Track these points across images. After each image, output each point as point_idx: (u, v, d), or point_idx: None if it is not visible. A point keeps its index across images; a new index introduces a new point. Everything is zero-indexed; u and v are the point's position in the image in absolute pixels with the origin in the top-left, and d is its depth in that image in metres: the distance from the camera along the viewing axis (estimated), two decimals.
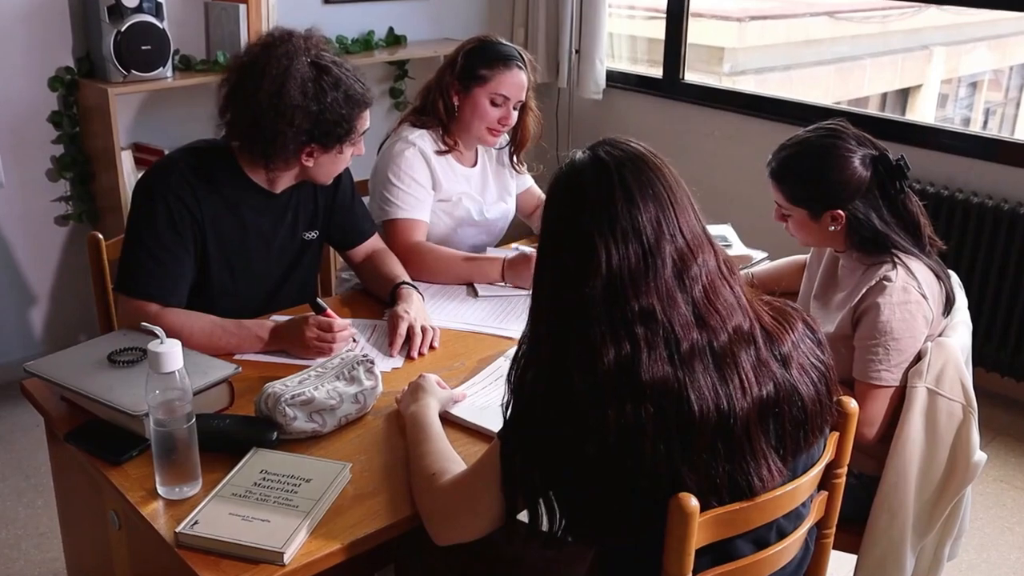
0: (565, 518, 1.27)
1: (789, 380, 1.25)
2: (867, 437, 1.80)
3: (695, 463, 1.18)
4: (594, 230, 1.20)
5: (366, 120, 1.97)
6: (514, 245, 2.49)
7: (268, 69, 1.85)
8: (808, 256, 2.14)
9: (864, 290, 1.82)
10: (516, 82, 2.35)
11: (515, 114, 2.40)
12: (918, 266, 1.83)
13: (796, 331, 1.29)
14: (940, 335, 1.86)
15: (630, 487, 1.19)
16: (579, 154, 1.27)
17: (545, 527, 1.28)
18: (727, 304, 1.23)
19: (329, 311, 1.88)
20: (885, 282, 1.79)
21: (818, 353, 1.31)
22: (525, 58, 2.38)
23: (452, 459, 1.45)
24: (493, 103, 2.35)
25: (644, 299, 1.18)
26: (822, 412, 1.30)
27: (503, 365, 1.85)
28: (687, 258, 1.21)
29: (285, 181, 2.00)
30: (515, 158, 2.59)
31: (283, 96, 1.84)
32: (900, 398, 1.81)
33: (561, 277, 1.22)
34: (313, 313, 1.88)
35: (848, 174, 1.82)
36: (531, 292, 1.28)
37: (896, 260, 1.82)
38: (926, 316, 1.80)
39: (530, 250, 2.31)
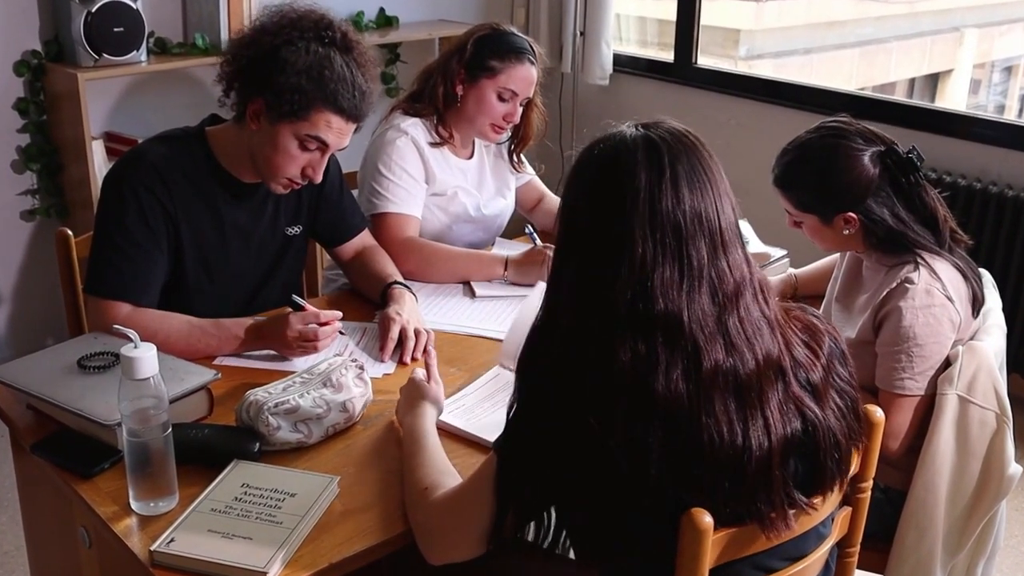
0: (567, 532, 1.27)
1: (822, 416, 1.24)
2: (891, 449, 1.80)
3: (701, 499, 1.18)
4: (636, 220, 1.19)
5: (329, 125, 1.85)
6: (527, 227, 2.48)
7: (288, 12, 1.88)
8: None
9: (885, 292, 1.82)
10: (526, 77, 2.36)
11: (520, 110, 2.41)
12: (943, 266, 1.83)
13: (824, 349, 1.29)
14: (972, 338, 1.86)
15: (632, 505, 1.20)
16: (631, 130, 1.25)
17: (546, 541, 1.29)
18: (758, 331, 1.22)
19: (309, 307, 1.88)
20: (907, 284, 1.79)
21: (844, 373, 1.31)
22: (536, 52, 2.39)
23: (447, 472, 1.45)
24: (500, 97, 2.36)
25: (672, 306, 1.18)
26: (853, 442, 1.31)
27: (502, 371, 1.85)
28: (724, 276, 1.20)
29: (247, 164, 1.95)
30: (515, 157, 2.59)
31: (265, 23, 1.85)
32: (929, 407, 1.81)
33: (592, 261, 1.21)
34: (290, 310, 1.88)
35: (856, 174, 1.82)
36: (549, 277, 1.27)
37: (919, 260, 1.82)
38: (952, 320, 1.80)
39: (541, 244, 2.32)
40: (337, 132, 1.88)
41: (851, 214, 1.84)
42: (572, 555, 1.34)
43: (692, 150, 1.23)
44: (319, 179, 1.95)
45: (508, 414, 1.29)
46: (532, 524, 1.30)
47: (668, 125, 1.26)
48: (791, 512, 1.22)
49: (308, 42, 1.84)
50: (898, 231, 1.84)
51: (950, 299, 1.80)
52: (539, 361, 1.25)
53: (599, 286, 1.19)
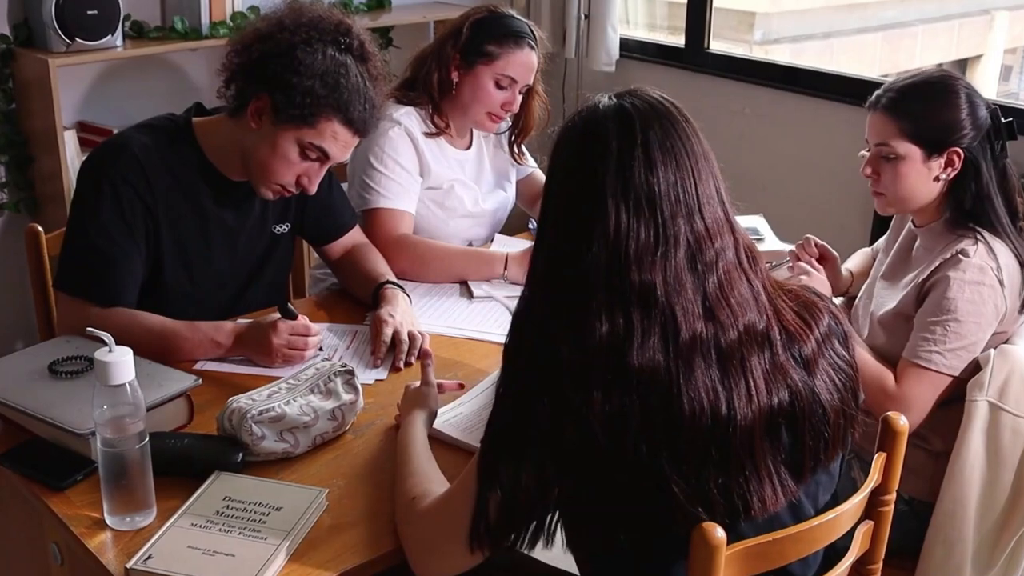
0: (559, 516, 1.29)
1: (810, 387, 1.27)
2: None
3: (683, 471, 1.20)
4: (607, 189, 1.22)
5: (335, 136, 1.87)
6: (530, 223, 2.48)
7: (307, 11, 1.88)
8: (874, 248, 2.18)
9: (937, 263, 1.84)
10: (526, 63, 2.36)
11: (520, 98, 2.41)
12: (1001, 248, 1.85)
13: (821, 326, 1.31)
14: (1007, 341, 1.87)
15: (612, 484, 1.21)
16: (604, 99, 1.29)
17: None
18: (742, 299, 1.25)
19: (303, 317, 1.88)
20: (961, 256, 1.82)
21: (843, 352, 1.33)
22: (537, 36, 2.39)
23: (437, 481, 1.46)
24: (498, 85, 2.36)
25: (647, 275, 1.21)
26: (846, 422, 1.32)
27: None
28: (703, 241, 1.23)
29: (237, 161, 1.95)
30: (516, 147, 2.59)
31: (283, 19, 1.85)
32: (958, 413, 1.82)
33: (565, 235, 1.26)
34: (280, 316, 1.88)
35: (973, 113, 1.87)
36: (530, 255, 1.32)
37: (979, 237, 1.84)
38: (997, 305, 1.82)
39: None
40: (342, 144, 1.89)
41: (959, 150, 1.86)
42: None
43: (666, 117, 1.26)
44: (313, 190, 1.95)
45: (496, 393, 1.31)
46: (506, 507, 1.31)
47: (643, 93, 1.30)
48: (779, 487, 1.24)
49: (325, 45, 1.85)
50: (985, 194, 1.87)
51: (1001, 283, 1.82)
52: (521, 341, 1.28)
53: (574, 258, 1.23)
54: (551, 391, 1.22)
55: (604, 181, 1.23)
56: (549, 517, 1.30)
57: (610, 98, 1.29)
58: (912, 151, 1.89)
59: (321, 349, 1.92)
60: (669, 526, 1.20)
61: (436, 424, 1.66)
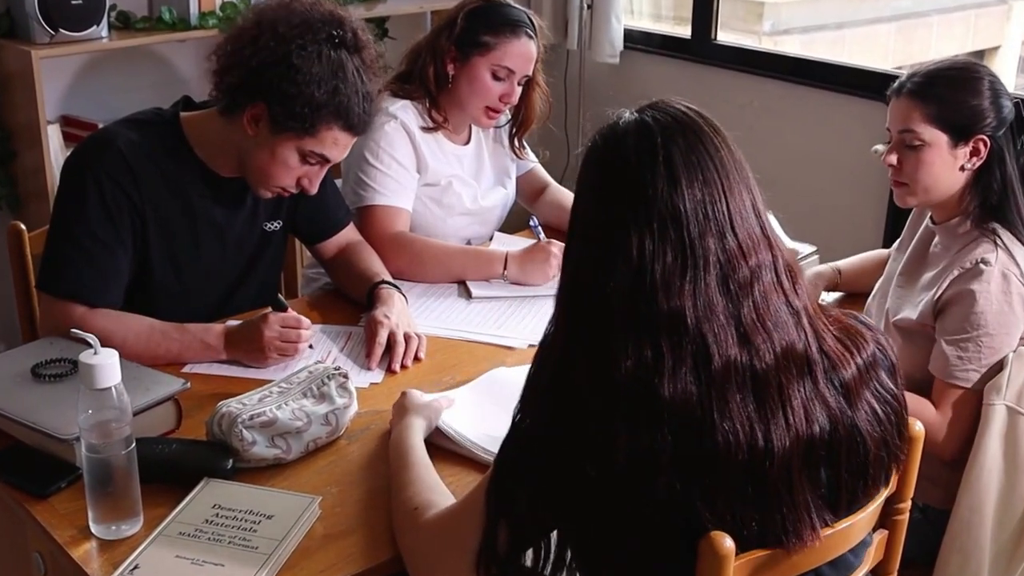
0: (572, 553, 1.27)
1: (849, 416, 1.24)
2: (937, 442, 1.81)
3: (718, 508, 1.17)
4: (628, 214, 1.20)
5: (336, 142, 1.89)
6: (531, 220, 2.47)
7: (297, 8, 1.86)
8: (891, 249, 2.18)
9: (955, 273, 1.84)
10: (524, 53, 2.35)
11: (519, 90, 2.40)
12: (1020, 251, 1.86)
13: (864, 353, 1.28)
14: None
15: (636, 524, 1.19)
16: (625, 115, 1.27)
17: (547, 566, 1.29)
18: (779, 321, 1.21)
19: (292, 312, 1.89)
20: (982, 265, 1.82)
21: (890, 385, 1.30)
22: (535, 24, 2.38)
23: (438, 490, 1.46)
24: (495, 76, 2.35)
25: (675, 301, 1.18)
26: (888, 457, 1.30)
27: (495, 380, 1.84)
28: (736, 261, 1.20)
29: (228, 159, 1.96)
30: (516, 142, 2.59)
31: (276, 23, 1.84)
32: (975, 417, 1.82)
33: (587, 263, 1.23)
34: (271, 311, 1.89)
35: (999, 101, 1.88)
36: (559, 279, 1.30)
37: (997, 241, 1.84)
38: None
39: (546, 240, 2.32)
40: (342, 148, 1.91)
41: (985, 139, 1.87)
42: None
43: (690, 129, 1.23)
44: (314, 191, 1.97)
45: (512, 421, 1.29)
46: (532, 549, 1.30)
47: (667, 105, 1.27)
48: (818, 524, 1.22)
49: (320, 45, 1.84)
50: (1011, 187, 1.88)
51: None
52: (543, 372, 1.26)
53: (597, 287, 1.20)
54: (570, 426, 1.20)
55: (626, 201, 1.20)
56: (568, 551, 1.28)
57: (631, 113, 1.27)
58: (938, 137, 1.89)
59: (312, 347, 1.93)
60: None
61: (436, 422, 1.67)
